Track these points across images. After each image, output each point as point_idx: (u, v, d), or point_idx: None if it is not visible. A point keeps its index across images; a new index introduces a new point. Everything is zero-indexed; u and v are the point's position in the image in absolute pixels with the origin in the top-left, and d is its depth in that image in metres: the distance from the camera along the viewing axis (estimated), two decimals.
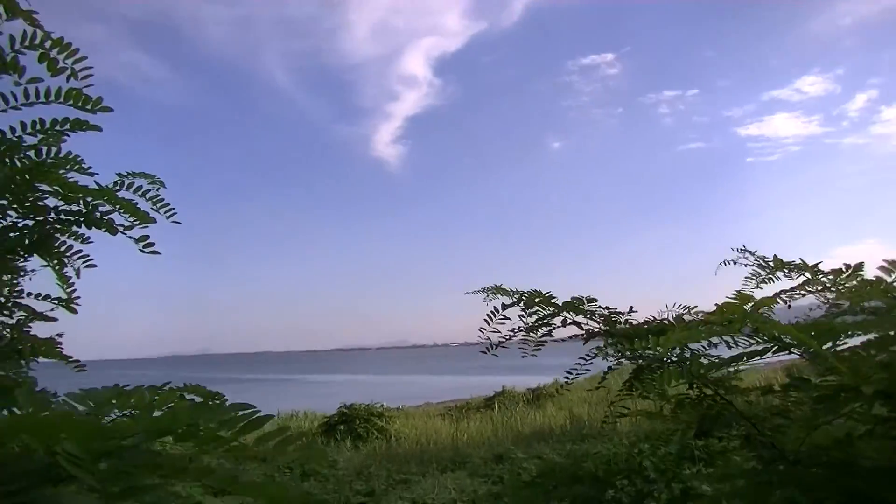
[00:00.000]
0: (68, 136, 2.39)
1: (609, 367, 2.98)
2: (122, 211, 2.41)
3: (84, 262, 2.68)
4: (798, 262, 2.72)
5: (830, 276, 2.77)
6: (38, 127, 2.33)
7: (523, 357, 3.03)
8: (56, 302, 2.60)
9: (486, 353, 2.89)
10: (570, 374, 2.99)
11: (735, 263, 2.82)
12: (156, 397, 1.29)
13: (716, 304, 2.17)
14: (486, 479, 10.37)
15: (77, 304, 2.70)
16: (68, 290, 2.71)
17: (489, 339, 2.87)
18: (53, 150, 2.39)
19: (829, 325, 1.64)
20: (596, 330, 2.94)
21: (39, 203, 2.39)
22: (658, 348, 2.06)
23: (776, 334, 1.68)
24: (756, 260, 2.79)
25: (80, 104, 2.31)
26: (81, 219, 2.44)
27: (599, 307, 2.91)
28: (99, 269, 2.64)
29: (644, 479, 7.33)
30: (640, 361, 2.79)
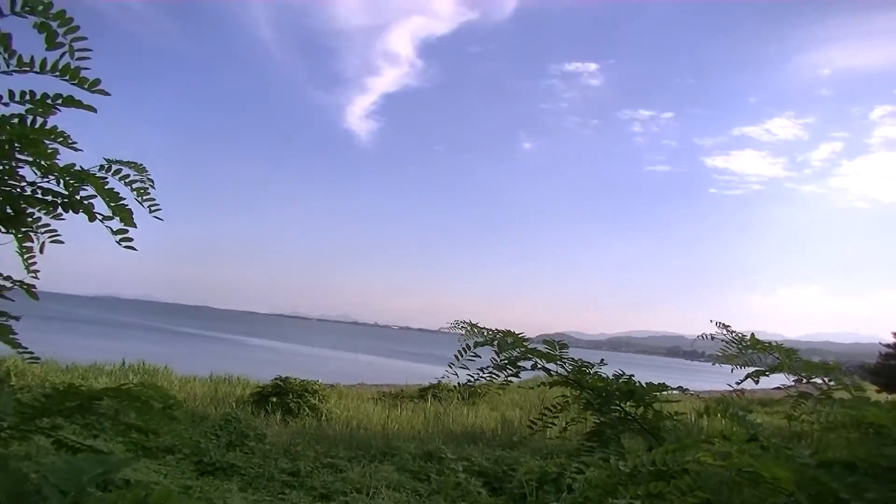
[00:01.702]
0: (59, 110, 2.25)
1: (572, 419, 2.97)
2: (106, 200, 2.28)
3: (50, 237, 2.54)
4: (772, 343, 2.75)
5: (800, 362, 2.80)
6: (27, 97, 2.19)
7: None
8: (18, 284, 2.45)
9: (455, 389, 2.85)
10: (534, 423, 2.97)
11: (713, 338, 2.83)
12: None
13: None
14: (413, 475, 10.36)
15: (36, 280, 2.56)
16: (28, 262, 2.56)
17: (457, 374, 2.83)
18: (39, 121, 2.25)
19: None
20: (564, 378, 2.92)
21: (17, 174, 2.25)
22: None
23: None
24: (732, 336, 2.80)
25: (76, 82, 2.18)
26: (59, 200, 2.31)
27: (571, 359, 2.89)
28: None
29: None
30: (602, 419, 2.79)
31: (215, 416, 14.05)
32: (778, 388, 3.00)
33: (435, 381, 26.39)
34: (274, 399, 16.90)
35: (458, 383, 2.80)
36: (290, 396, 17.03)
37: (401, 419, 17.15)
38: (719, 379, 3.09)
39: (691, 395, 2.95)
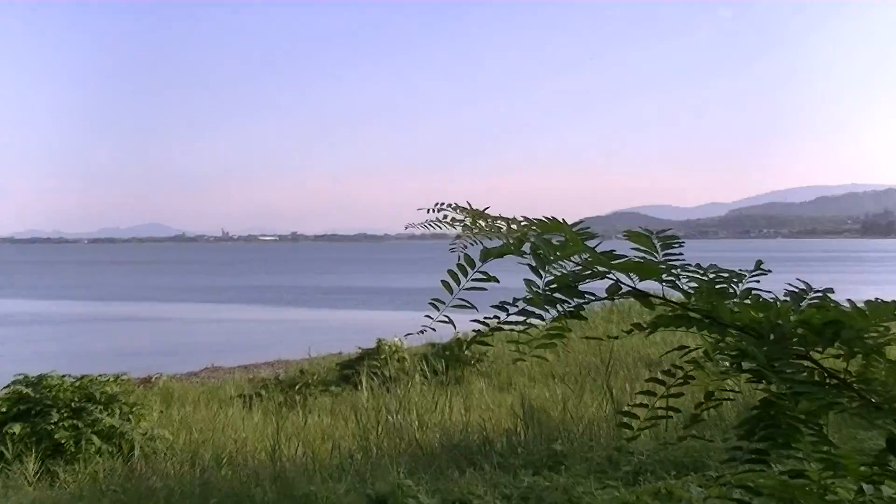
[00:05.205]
0: None
1: (706, 393, 3.00)
2: None
3: None
4: None
5: None
6: None
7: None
8: None
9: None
10: (632, 415, 3.00)
11: None
12: None
13: None
14: None
15: None
16: None
17: (450, 320, 2.75)
18: None
19: None
20: (680, 310, 2.92)
21: None
22: None
23: None
24: None
25: None
26: None
27: (695, 265, 2.88)
28: None
29: None
30: (772, 387, 2.78)
31: None
32: None
33: (372, 347, 26.32)
34: (16, 429, 16.51)
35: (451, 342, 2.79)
36: (56, 419, 16.67)
37: (308, 433, 17.15)
38: None
39: None
